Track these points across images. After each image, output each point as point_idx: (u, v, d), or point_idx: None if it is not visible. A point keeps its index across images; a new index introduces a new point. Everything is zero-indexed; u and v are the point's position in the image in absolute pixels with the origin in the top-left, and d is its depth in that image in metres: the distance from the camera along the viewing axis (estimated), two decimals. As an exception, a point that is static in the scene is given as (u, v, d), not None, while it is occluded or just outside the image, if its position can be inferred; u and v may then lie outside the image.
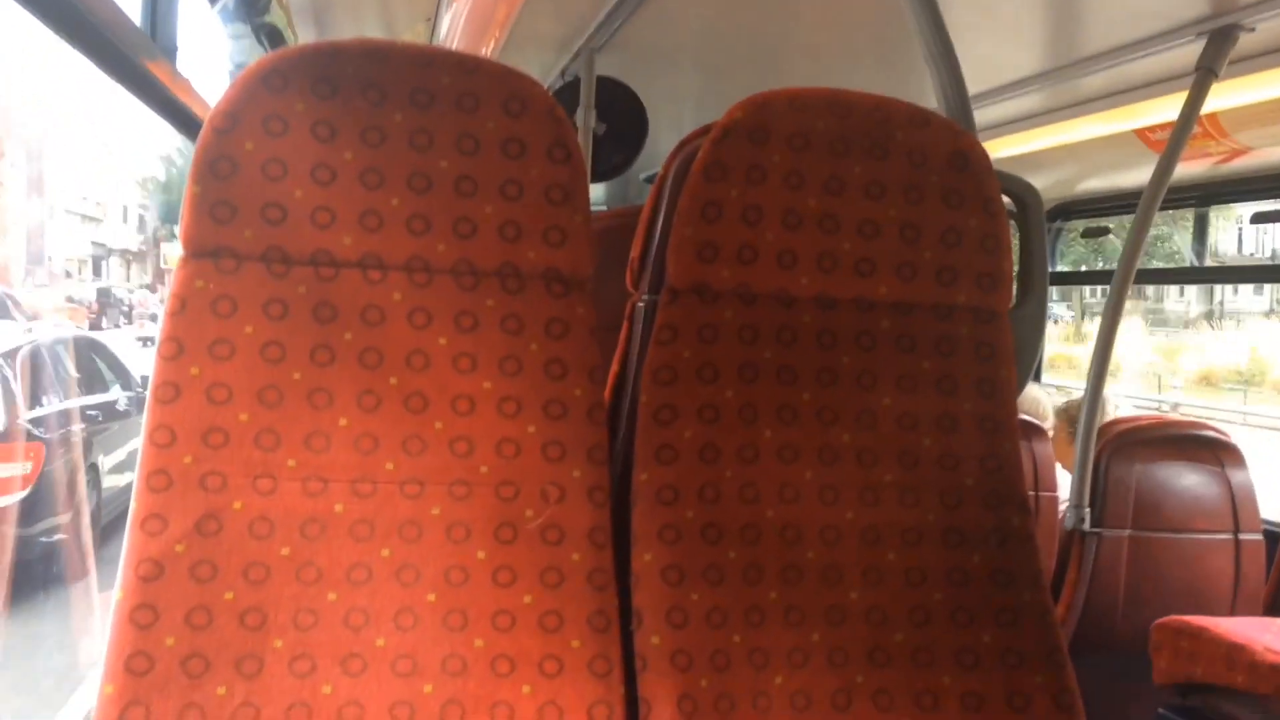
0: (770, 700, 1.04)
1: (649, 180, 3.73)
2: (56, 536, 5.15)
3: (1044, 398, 3.28)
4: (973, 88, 1.32)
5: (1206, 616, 2.17)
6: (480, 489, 1.02)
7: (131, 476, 0.99)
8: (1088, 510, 2.34)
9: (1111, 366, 2.31)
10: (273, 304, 0.99)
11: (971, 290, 1.14)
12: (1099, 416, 2.33)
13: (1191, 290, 20.06)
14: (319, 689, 0.95)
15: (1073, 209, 3.64)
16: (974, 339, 1.15)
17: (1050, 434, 3.02)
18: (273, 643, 0.95)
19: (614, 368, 1.19)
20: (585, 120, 2.54)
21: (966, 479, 1.13)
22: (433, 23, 2.87)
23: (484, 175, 1.03)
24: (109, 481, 5.76)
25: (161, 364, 0.97)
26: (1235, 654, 1.98)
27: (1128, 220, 2.94)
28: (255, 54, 2.78)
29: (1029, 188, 1.33)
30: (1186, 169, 2.77)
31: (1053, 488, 2.92)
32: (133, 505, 0.96)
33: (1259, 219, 3.30)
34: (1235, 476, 2.48)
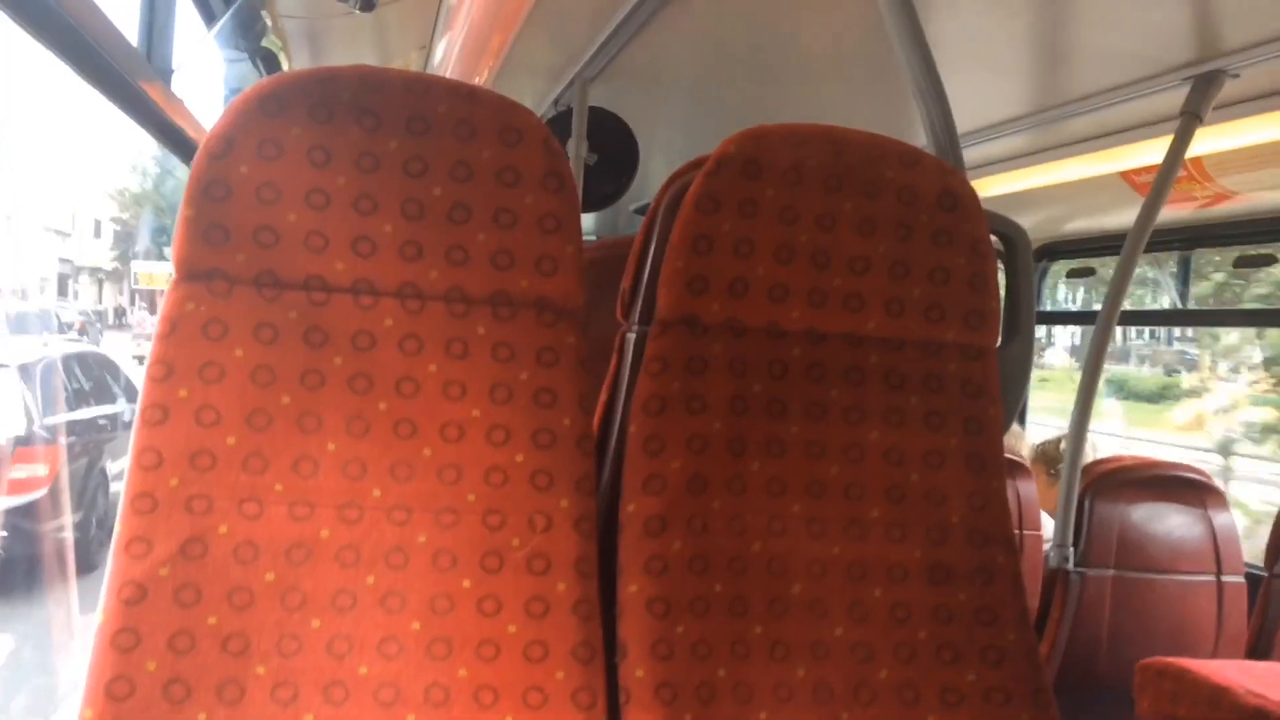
0: None
1: (639, 211, 3.75)
2: (70, 532, 5.83)
3: (1023, 436, 3.30)
4: (961, 126, 1.34)
5: (1190, 658, 2.17)
6: (467, 517, 1.01)
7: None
8: (1071, 549, 2.34)
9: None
10: (263, 328, 0.99)
11: (959, 328, 1.15)
12: (1081, 457, 2.33)
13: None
14: (301, 717, 0.94)
15: (1058, 249, 3.67)
16: (961, 376, 1.15)
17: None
18: (255, 669, 0.94)
19: (602, 398, 1.19)
20: (577, 150, 2.55)
21: (953, 516, 1.13)
22: (427, 50, 2.89)
23: (478, 203, 1.03)
24: (115, 486, 6.40)
25: (150, 386, 0.97)
26: (1219, 696, 1.97)
27: (1112, 261, 2.97)
28: (251, 79, 2.79)
29: (1017, 228, 1.34)
30: (1171, 212, 2.80)
31: (1037, 526, 2.93)
32: (117, 528, 0.95)
33: (1242, 264, 3.33)
34: (1218, 519, 2.49)
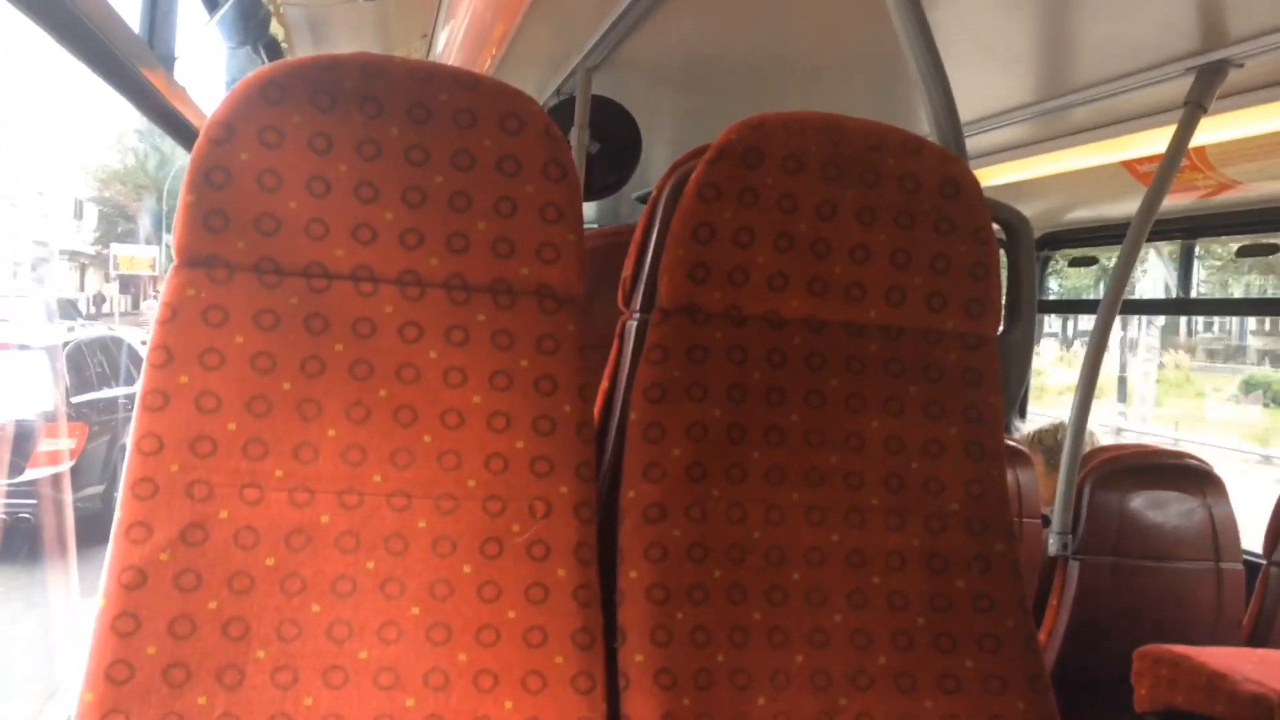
0: None
1: (640, 199, 3.75)
2: (95, 502, 6.52)
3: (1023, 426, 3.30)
4: (964, 115, 1.34)
5: (1188, 645, 2.18)
6: (467, 503, 1.02)
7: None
8: (1070, 537, 2.35)
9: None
10: (264, 314, 0.99)
11: (960, 316, 1.15)
12: (1082, 443, 2.34)
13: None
14: (300, 701, 0.95)
15: (1061, 239, 3.67)
16: (962, 365, 1.15)
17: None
18: (255, 653, 0.95)
19: (603, 385, 1.19)
20: (579, 139, 2.55)
21: (952, 504, 1.14)
22: (430, 39, 2.88)
23: (479, 191, 1.04)
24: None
25: (151, 372, 0.97)
26: (1216, 683, 1.98)
27: (1114, 250, 2.97)
28: (253, 66, 2.79)
29: (1019, 216, 1.34)
30: (1173, 201, 2.80)
31: (1036, 513, 2.93)
32: (117, 513, 0.95)
33: (1245, 253, 3.33)
34: (1217, 506, 2.50)
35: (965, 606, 1.12)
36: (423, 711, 0.97)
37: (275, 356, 0.99)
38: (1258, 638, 2.48)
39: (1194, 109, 2.00)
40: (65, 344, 6.76)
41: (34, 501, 5.95)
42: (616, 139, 2.89)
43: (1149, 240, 2.22)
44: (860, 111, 1.15)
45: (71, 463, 6.29)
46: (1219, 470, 2.56)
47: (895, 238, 1.13)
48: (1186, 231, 3.19)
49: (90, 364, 7.18)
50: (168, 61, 1.80)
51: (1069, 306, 10.33)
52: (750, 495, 1.09)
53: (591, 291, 1.09)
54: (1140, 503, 2.44)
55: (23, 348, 6.39)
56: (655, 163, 3.10)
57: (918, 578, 1.12)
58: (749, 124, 1.09)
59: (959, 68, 1.38)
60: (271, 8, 2.73)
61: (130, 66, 1.58)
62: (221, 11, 2.54)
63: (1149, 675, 2.17)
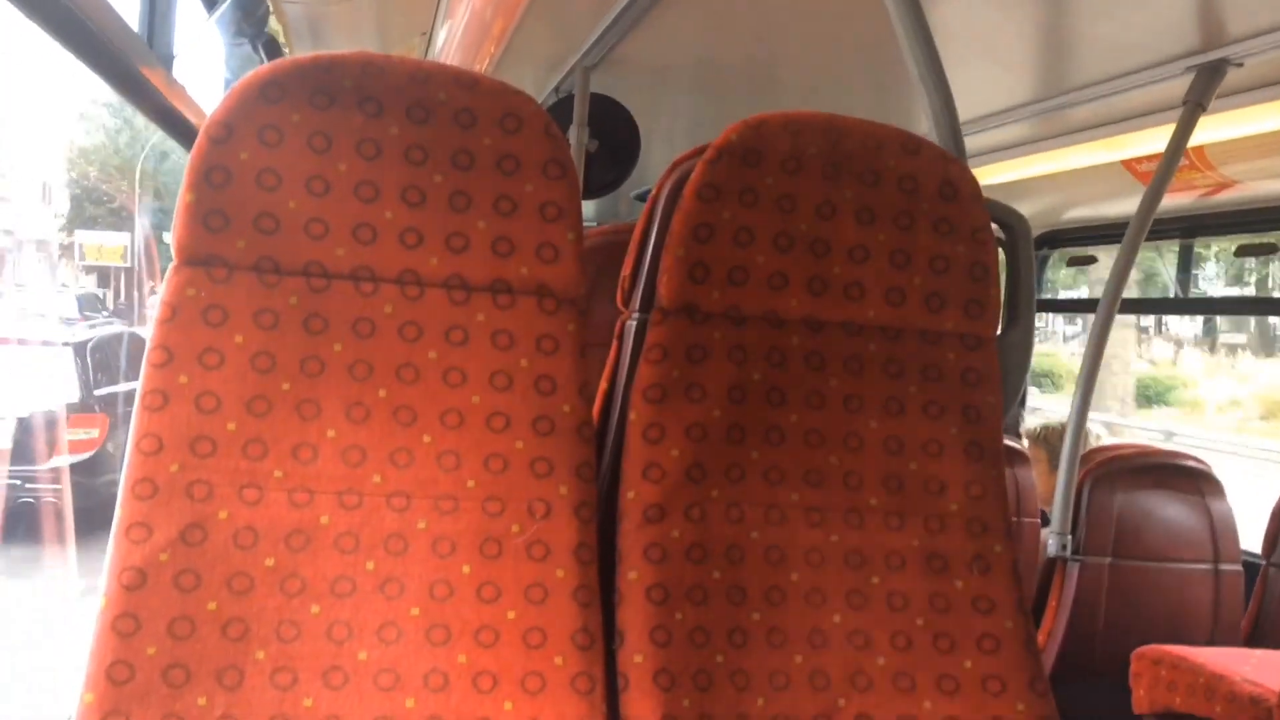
0: None
1: (639, 198, 3.75)
2: (115, 488, 6.73)
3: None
4: (963, 114, 1.34)
5: (1186, 646, 2.18)
6: (467, 503, 1.01)
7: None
8: (1069, 537, 2.35)
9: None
10: (263, 314, 0.99)
11: (959, 317, 1.15)
12: (1081, 444, 2.34)
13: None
14: (300, 702, 0.95)
15: (1060, 238, 3.67)
16: (961, 365, 1.15)
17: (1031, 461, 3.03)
18: (254, 654, 0.95)
19: (602, 385, 1.19)
20: (578, 137, 2.55)
21: (950, 504, 1.14)
22: (428, 37, 2.88)
23: (478, 191, 1.03)
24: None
25: (151, 371, 0.97)
26: (1214, 684, 1.98)
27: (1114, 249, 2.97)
28: (252, 64, 2.78)
29: (1017, 216, 1.34)
30: (1172, 200, 2.80)
31: (1034, 513, 2.93)
32: (117, 512, 0.95)
33: (1243, 252, 3.33)
34: (1215, 507, 2.50)
35: (964, 607, 1.12)
36: (422, 712, 0.96)
37: (275, 356, 0.99)
38: (1256, 638, 2.48)
39: (1193, 108, 2.00)
40: (87, 341, 7.33)
41: (59, 486, 6.54)
42: (615, 137, 2.88)
43: (1148, 239, 2.22)
44: (859, 111, 1.15)
45: (96, 450, 6.86)
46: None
47: (894, 238, 1.12)
48: (1185, 230, 3.20)
49: (111, 359, 7.63)
50: (166, 60, 1.79)
51: (1068, 306, 10.33)
52: (749, 496, 1.09)
53: (591, 291, 1.09)
54: (1139, 503, 2.44)
55: (47, 344, 7.16)
56: (654, 161, 3.10)
57: (917, 578, 1.12)
58: (749, 124, 1.09)
59: (958, 67, 1.38)
60: (270, 5, 2.72)
61: (129, 65, 1.58)
62: (220, 9, 2.54)
63: (1147, 676, 2.17)
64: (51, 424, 6.72)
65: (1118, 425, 11.79)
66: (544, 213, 1.05)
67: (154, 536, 0.94)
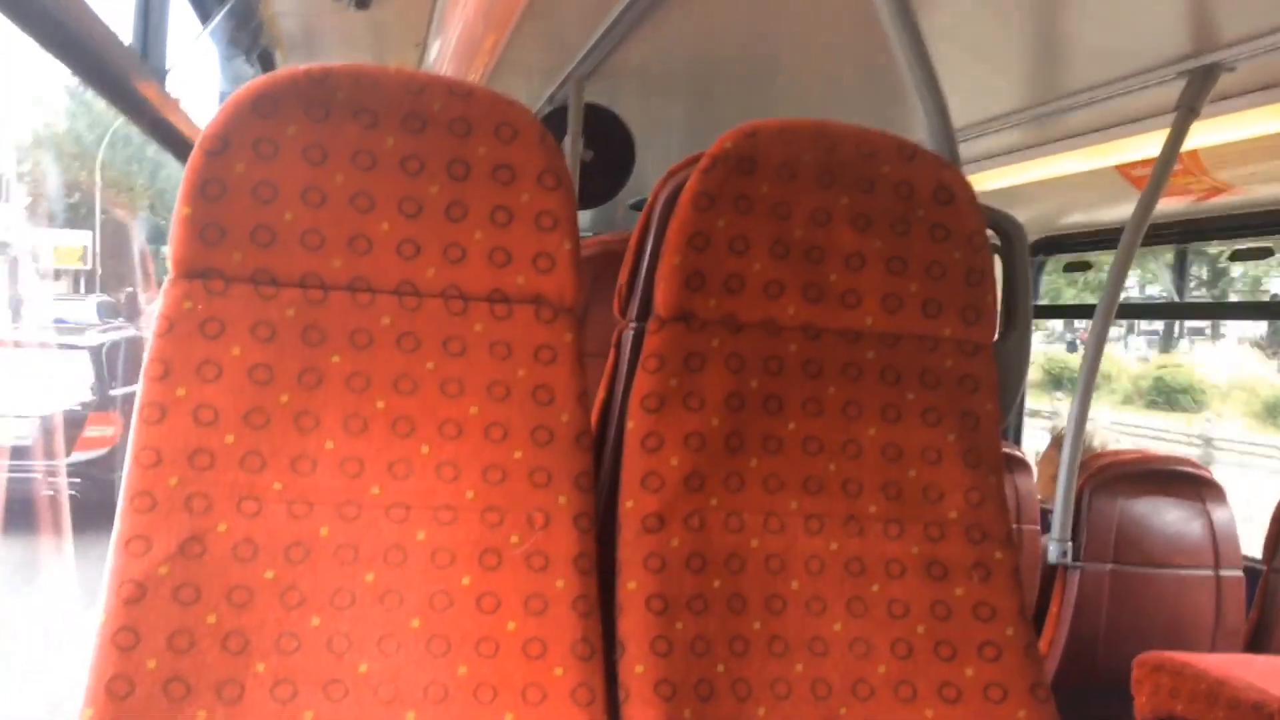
0: None
1: (634, 207, 3.76)
2: None
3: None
4: (958, 120, 1.34)
5: (1188, 653, 2.17)
6: (466, 514, 1.01)
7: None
8: (1070, 544, 2.34)
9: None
10: (261, 326, 0.99)
11: (956, 323, 1.15)
12: (1082, 450, 2.34)
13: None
14: (300, 714, 0.94)
15: (1055, 244, 3.68)
16: (958, 371, 1.15)
17: (1046, 463, 3.03)
18: (254, 667, 0.94)
19: (600, 394, 1.19)
20: (573, 147, 2.56)
21: (950, 512, 1.13)
22: (422, 49, 2.89)
23: (474, 201, 1.03)
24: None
25: (148, 384, 0.97)
26: (1217, 691, 1.98)
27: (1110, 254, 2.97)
28: (246, 77, 2.79)
29: (1013, 222, 1.34)
30: (1167, 205, 2.80)
31: (1035, 520, 2.93)
32: (116, 526, 0.95)
33: (1238, 256, 3.33)
34: (1216, 513, 2.50)
35: (965, 614, 1.11)
36: None
37: (272, 368, 0.99)
38: (1258, 645, 2.48)
39: (1186, 113, 2.01)
40: (102, 344, 7.85)
41: (79, 480, 7.08)
42: (610, 147, 2.89)
43: (1143, 244, 2.23)
44: (853, 117, 1.15)
45: (114, 446, 7.29)
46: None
47: (890, 244, 1.12)
48: (1180, 235, 3.20)
49: (127, 362, 8.08)
50: (160, 73, 1.79)
51: (1065, 311, 10.36)
52: (749, 504, 1.09)
53: (588, 300, 1.09)
54: (1139, 509, 2.44)
55: (70, 348, 7.68)
56: (649, 170, 3.10)
57: (917, 586, 1.11)
58: (743, 131, 1.09)
59: (952, 73, 1.38)
60: (264, 18, 2.73)
61: (123, 78, 1.58)
62: (215, 22, 2.54)
63: (1149, 683, 2.16)
64: (74, 423, 7.25)
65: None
66: (540, 222, 1.05)
67: (153, 550, 0.94)
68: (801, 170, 1.09)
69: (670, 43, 2.23)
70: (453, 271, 1.03)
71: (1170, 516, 2.46)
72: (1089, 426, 3.09)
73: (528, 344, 1.04)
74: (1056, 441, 3.14)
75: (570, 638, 1.00)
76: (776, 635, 1.07)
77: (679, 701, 1.01)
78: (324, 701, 0.95)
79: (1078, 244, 3.64)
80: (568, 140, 2.55)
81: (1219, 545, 2.47)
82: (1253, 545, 2.59)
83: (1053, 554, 2.36)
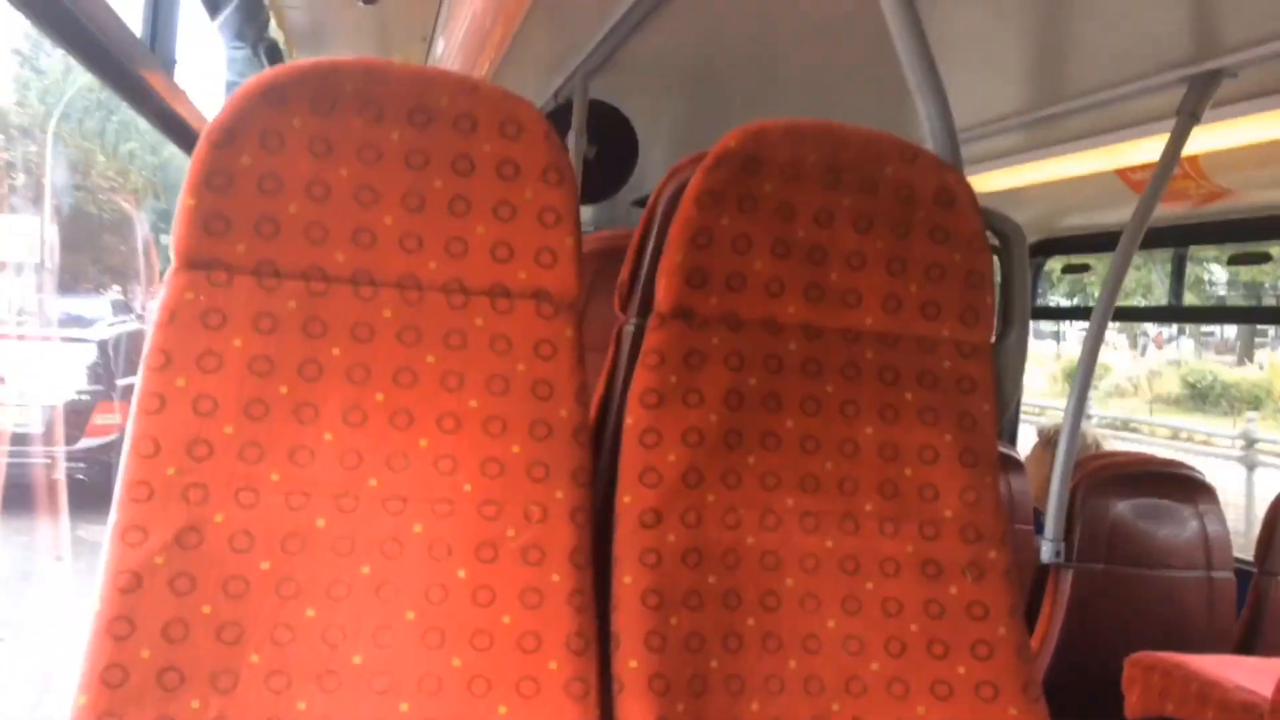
0: None
1: (637, 203, 3.76)
2: None
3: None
4: (959, 122, 1.34)
5: (1179, 653, 2.19)
6: (463, 507, 1.02)
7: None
8: (1063, 544, 2.35)
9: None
10: (262, 318, 0.99)
11: (955, 324, 1.16)
12: (1076, 451, 2.35)
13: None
14: (294, 705, 0.95)
15: (1054, 246, 3.68)
16: (956, 372, 1.16)
17: (1036, 462, 3.04)
18: (249, 657, 0.95)
19: (599, 390, 1.20)
20: (577, 143, 2.56)
21: (945, 511, 1.14)
22: (429, 43, 2.89)
23: (478, 196, 1.04)
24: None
25: (148, 374, 0.97)
26: (1207, 691, 1.99)
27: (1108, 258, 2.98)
28: (253, 69, 2.79)
29: (1013, 224, 1.34)
30: (1166, 210, 2.81)
31: (1028, 520, 2.94)
32: (113, 515, 0.95)
33: (1237, 261, 3.34)
34: (1209, 515, 2.51)
35: (959, 613, 1.12)
36: (417, 716, 0.97)
37: (273, 360, 0.99)
38: (1249, 646, 2.49)
39: (1187, 118, 2.01)
40: (111, 338, 8.18)
41: (86, 464, 7.42)
42: (613, 143, 2.89)
43: (1141, 248, 2.24)
44: (856, 118, 1.16)
45: (119, 434, 7.32)
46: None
47: (891, 245, 1.13)
48: (1179, 239, 3.21)
49: (133, 354, 8.36)
50: (168, 64, 1.80)
51: (1063, 314, 10.35)
52: (745, 501, 1.09)
53: (589, 296, 1.10)
54: (1132, 510, 2.45)
55: (79, 340, 8.02)
56: (652, 167, 3.11)
57: (911, 584, 1.12)
58: (748, 130, 1.10)
59: (954, 75, 1.39)
60: (272, 11, 2.73)
61: (131, 69, 1.58)
62: (223, 14, 2.55)
63: (1140, 683, 2.18)
64: (83, 411, 7.63)
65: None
66: (543, 218, 1.05)
67: (149, 540, 0.95)
68: (806, 171, 1.10)
69: (675, 40, 2.23)
70: (455, 265, 1.04)
71: (1163, 518, 2.47)
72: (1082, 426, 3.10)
73: (528, 339, 1.05)
74: (1045, 441, 3.15)
75: (565, 631, 1.01)
76: (770, 631, 1.07)
77: (673, 696, 1.02)
78: (318, 692, 0.95)
79: (1077, 246, 3.65)
80: (572, 135, 2.55)
81: (1211, 547, 2.48)
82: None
83: (1046, 554, 2.37)
